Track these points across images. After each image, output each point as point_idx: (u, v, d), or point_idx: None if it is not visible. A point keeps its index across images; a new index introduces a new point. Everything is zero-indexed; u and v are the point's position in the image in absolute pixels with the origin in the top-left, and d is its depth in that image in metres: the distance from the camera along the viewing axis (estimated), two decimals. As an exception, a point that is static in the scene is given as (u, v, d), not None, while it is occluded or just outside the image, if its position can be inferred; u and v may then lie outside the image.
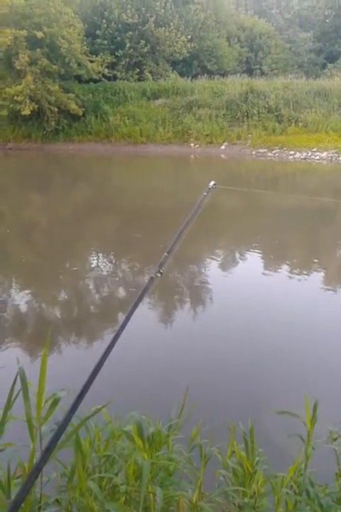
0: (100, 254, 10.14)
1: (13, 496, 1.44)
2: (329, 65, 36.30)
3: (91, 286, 8.11)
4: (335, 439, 2.25)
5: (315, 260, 9.74)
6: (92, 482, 1.45)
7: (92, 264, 9.48)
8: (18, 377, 1.34)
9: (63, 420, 1.09)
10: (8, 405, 1.34)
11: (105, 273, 8.82)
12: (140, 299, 1.62)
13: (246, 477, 1.91)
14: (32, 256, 9.89)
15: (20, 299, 7.41)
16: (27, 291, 7.78)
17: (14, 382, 1.33)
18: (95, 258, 9.88)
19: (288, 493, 1.72)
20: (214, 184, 2.41)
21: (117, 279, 8.66)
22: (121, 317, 6.74)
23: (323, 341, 5.94)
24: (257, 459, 2.01)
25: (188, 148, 26.60)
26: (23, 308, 7.08)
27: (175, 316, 6.94)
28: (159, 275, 1.78)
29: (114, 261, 9.73)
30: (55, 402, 1.35)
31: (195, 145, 26.81)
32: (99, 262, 9.56)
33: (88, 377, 1.17)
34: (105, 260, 9.80)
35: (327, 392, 4.51)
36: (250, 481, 1.90)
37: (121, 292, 8.10)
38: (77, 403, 1.11)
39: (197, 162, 25.28)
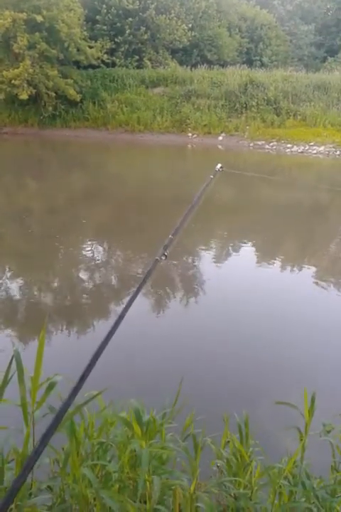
0: (96, 241, 10.07)
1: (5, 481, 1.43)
2: (329, 59, 36.21)
3: (87, 272, 8.08)
4: (329, 432, 2.24)
5: (313, 253, 9.74)
6: (87, 469, 1.43)
7: (87, 250, 9.43)
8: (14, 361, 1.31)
9: (63, 405, 1.06)
10: (2, 389, 1.31)
11: (99, 259, 8.78)
12: (144, 282, 1.57)
13: (240, 467, 1.90)
14: (24, 242, 9.82)
15: (15, 284, 7.37)
16: (21, 277, 7.75)
17: (9, 364, 1.29)
18: (90, 244, 9.82)
19: (283, 484, 1.71)
20: (220, 167, 2.35)
21: (111, 264, 8.62)
22: (118, 302, 6.71)
23: (320, 337, 5.94)
24: (251, 449, 2.01)
25: (186, 137, 26.43)
26: (18, 293, 7.04)
27: (170, 306, 6.91)
28: (164, 258, 1.71)
29: (109, 246, 9.68)
30: (51, 386, 1.32)
31: (193, 135, 26.64)
32: (93, 249, 9.50)
33: (89, 361, 1.13)
34: (100, 246, 9.75)
35: (322, 386, 4.51)
36: (244, 471, 1.89)
37: (115, 276, 8.06)
38: (77, 388, 1.08)
39: (195, 152, 25.15)
